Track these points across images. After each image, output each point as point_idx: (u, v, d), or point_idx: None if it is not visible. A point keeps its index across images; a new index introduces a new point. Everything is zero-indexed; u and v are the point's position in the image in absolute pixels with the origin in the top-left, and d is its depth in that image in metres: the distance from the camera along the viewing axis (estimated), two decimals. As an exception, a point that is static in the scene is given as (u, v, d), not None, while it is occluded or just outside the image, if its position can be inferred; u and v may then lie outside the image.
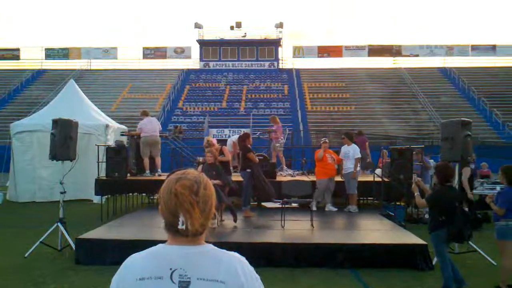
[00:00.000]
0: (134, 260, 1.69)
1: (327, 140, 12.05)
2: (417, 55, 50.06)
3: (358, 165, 11.62)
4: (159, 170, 13.28)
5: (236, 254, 1.71)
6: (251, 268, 1.69)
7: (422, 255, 7.44)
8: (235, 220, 9.23)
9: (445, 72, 46.10)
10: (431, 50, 49.96)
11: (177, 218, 1.62)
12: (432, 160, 18.71)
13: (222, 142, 16.95)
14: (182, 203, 1.62)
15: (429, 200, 6.06)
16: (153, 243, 1.71)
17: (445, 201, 5.95)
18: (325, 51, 51.45)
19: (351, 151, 11.55)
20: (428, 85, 42.69)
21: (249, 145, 10.36)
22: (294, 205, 11.38)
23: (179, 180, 1.68)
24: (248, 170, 10.14)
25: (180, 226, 1.61)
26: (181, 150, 20.43)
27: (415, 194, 6.35)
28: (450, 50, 49.49)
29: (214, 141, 11.34)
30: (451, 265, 6.03)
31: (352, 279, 6.84)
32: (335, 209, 11.50)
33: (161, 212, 1.68)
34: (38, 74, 48.39)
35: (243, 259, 1.70)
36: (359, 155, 11.70)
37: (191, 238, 1.64)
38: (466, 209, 6.23)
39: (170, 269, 1.61)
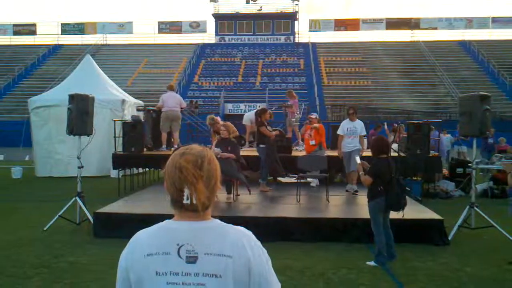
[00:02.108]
0: (141, 236, 1.70)
1: (313, 116, 11.37)
2: (435, 28, 49.25)
3: (364, 142, 10.67)
4: (176, 145, 13.31)
5: (242, 228, 1.71)
6: (258, 242, 1.69)
7: (438, 230, 7.43)
8: (249, 192, 9.27)
9: (464, 45, 45.34)
10: (450, 23, 49.09)
11: (182, 193, 1.62)
12: (449, 135, 18.60)
13: (238, 117, 17.01)
14: (186, 177, 1.61)
15: (371, 174, 6.31)
16: (169, 217, 1.71)
17: (382, 172, 6.23)
18: (342, 25, 50.86)
19: (358, 127, 10.28)
20: (446, 58, 42.06)
21: (264, 120, 10.33)
22: (309, 180, 11.35)
23: (183, 155, 1.67)
24: (262, 145, 10.14)
25: (185, 201, 1.61)
26: (197, 125, 20.47)
27: (360, 173, 6.61)
28: (469, 23, 48.60)
29: (218, 118, 11.43)
30: (387, 236, 6.36)
31: (367, 253, 6.85)
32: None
33: (166, 187, 1.68)
34: (54, 49, 48.64)
35: (249, 233, 1.70)
36: (365, 132, 10.69)
37: (197, 213, 1.64)
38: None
39: (177, 244, 1.61)
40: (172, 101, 13.04)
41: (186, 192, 1.61)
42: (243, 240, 1.65)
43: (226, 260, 1.59)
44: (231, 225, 1.69)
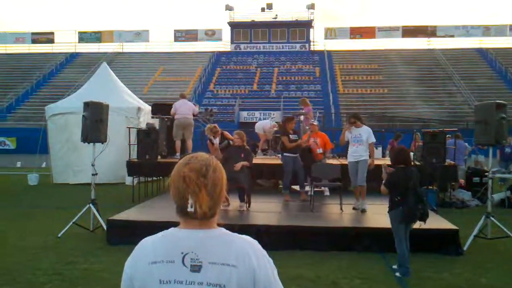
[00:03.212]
0: (146, 243, 1.70)
1: (315, 123, 11.28)
2: (452, 36, 48.85)
3: (374, 150, 9.67)
4: (190, 153, 13.33)
5: (248, 237, 1.70)
6: (264, 252, 1.68)
7: (452, 241, 7.33)
8: (248, 206, 9.17)
9: (481, 53, 44.89)
10: (467, 31, 48.66)
11: (186, 201, 1.63)
12: (466, 144, 18.38)
13: (253, 124, 17.02)
14: (188, 185, 1.62)
15: (387, 184, 6.29)
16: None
17: (399, 182, 6.16)
18: (357, 33, 50.71)
19: (364, 134, 9.02)
20: (463, 66, 41.70)
21: (289, 129, 10.22)
22: (324, 188, 11.28)
23: (187, 163, 1.68)
24: (286, 154, 10.09)
25: (189, 209, 1.62)
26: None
27: (383, 182, 6.51)
28: (487, 31, 48.12)
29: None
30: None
31: (379, 263, 6.79)
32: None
33: (172, 195, 1.69)
34: (71, 57, 49.22)
35: (255, 242, 1.69)
36: (374, 139, 9.29)
37: (202, 221, 1.65)
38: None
39: (182, 253, 1.61)
40: (184, 109, 13.13)
41: (190, 200, 1.62)
42: (248, 250, 1.64)
43: (231, 269, 1.58)
44: (236, 234, 1.69)
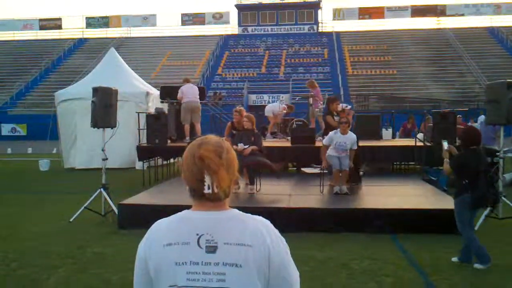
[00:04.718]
0: (160, 226, 1.71)
1: (348, 107, 10.74)
2: (462, 15, 48.26)
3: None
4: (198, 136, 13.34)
5: (261, 218, 1.71)
6: (277, 231, 1.70)
7: (464, 221, 7.29)
8: (276, 173, 9.35)
9: (492, 31, 44.36)
10: (478, 9, 48.02)
11: (202, 183, 1.63)
12: (476, 124, 18.24)
13: (262, 108, 17.00)
14: (209, 165, 1.62)
15: (453, 165, 5.88)
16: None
17: (469, 165, 5.73)
18: (366, 13, 50.25)
19: (349, 142, 8.64)
20: (474, 45, 41.26)
21: (333, 110, 10.12)
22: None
23: (202, 145, 1.68)
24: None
25: (206, 190, 1.62)
26: (220, 117, 20.50)
27: (445, 160, 6.12)
28: (497, 9, 47.47)
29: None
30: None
31: (391, 244, 6.79)
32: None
33: (185, 179, 1.69)
34: (79, 43, 49.30)
35: (268, 222, 1.71)
36: (356, 146, 8.89)
37: (216, 203, 1.66)
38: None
39: (197, 234, 1.62)
40: (191, 93, 13.13)
41: (208, 181, 1.62)
42: (262, 229, 1.66)
43: (246, 249, 1.60)
44: (249, 214, 1.70)
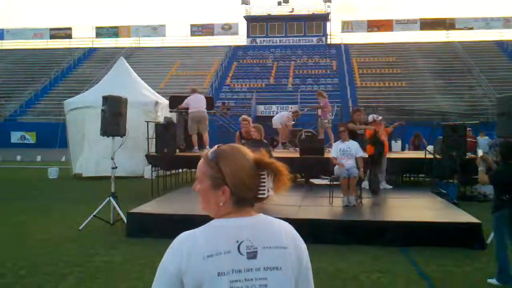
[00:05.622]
0: (195, 237, 1.62)
1: (379, 118, 10.73)
2: (471, 28, 48.10)
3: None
4: (207, 146, 13.36)
5: (282, 220, 1.75)
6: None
7: (475, 234, 7.22)
8: None
9: (501, 45, 44.20)
10: (487, 23, 47.88)
11: (257, 188, 1.67)
12: (487, 137, 18.16)
13: (270, 118, 16.99)
14: (269, 167, 1.69)
15: (492, 178, 5.73)
16: (202, 217, 1.69)
17: (509, 179, 5.56)
18: (375, 26, 50.25)
19: (353, 147, 8.98)
20: (483, 59, 41.11)
21: (355, 120, 10.44)
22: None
23: (246, 153, 1.70)
24: None
25: (266, 194, 1.68)
26: (229, 127, 20.53)
27: (479, 169, 5.98)
28: (507, 23, 47.28)
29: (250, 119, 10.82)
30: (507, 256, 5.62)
31: (401, 257, 6.73)
32: (390, 187, 11.23)
33: (236, 187, 1.64)
34: (89, 52, 49.57)
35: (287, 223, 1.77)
36: (361, 153, 9.17)
37: (248, 209, 1.67)
38: None
39: (237, 241, 1.60)
40: (197, 102, 13.15)
41: (268, 184, 1.67)
42: (292, 231, 1.72)
43: (284, 251, 1.64)
44: (273, 217, 1.72)
